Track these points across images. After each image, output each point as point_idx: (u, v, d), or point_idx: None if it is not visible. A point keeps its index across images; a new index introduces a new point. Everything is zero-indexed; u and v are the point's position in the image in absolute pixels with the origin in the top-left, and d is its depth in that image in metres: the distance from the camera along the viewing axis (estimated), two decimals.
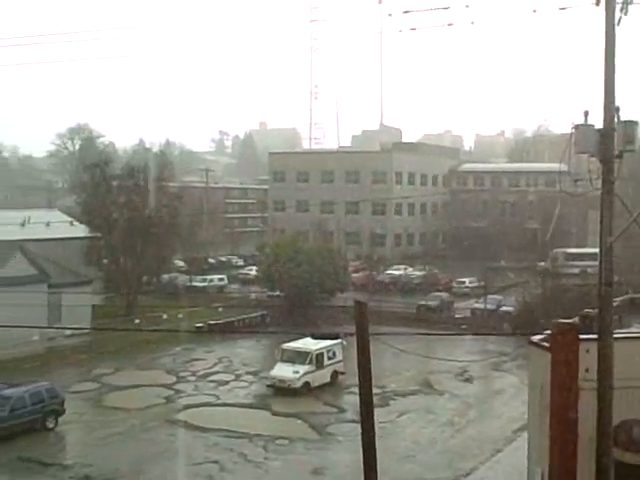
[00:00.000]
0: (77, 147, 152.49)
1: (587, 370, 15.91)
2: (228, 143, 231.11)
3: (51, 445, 31.37)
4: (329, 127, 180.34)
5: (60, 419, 32.62)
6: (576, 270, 66.37)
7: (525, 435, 22.78)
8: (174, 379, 41.48)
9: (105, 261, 58.88)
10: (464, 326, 53.73)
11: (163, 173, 61.38)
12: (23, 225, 63.14)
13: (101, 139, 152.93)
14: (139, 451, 30.07)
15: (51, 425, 32.23)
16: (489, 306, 56.67)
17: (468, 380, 41.72)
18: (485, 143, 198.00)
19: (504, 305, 56.77)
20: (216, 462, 28.84)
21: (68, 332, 45.55)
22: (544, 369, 17.42)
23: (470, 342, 49.48)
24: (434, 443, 31.26)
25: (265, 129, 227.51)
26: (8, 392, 31.93)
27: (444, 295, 62.31)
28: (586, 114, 14.00)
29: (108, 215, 58.26)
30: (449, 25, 14.85)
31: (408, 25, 15.59)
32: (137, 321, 52.66)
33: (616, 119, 13.78)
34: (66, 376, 40.44)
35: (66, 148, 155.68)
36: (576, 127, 14.00)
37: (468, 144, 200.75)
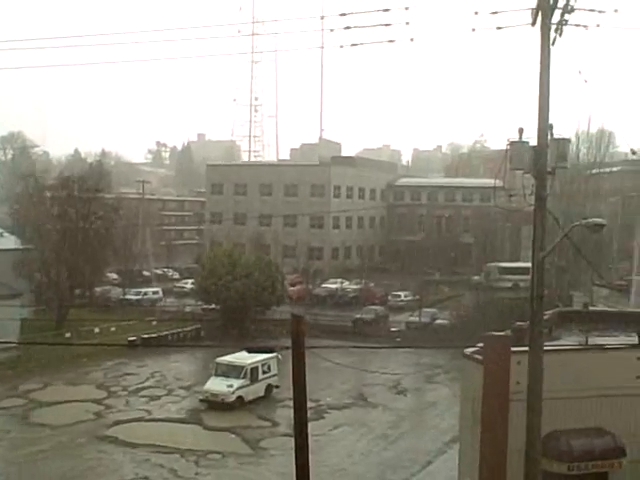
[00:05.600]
0: (10, 157, 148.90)
1: (518, 382, 16.08)
2: (166, 155, 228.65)
3: None
4: (268, 140, 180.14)
5: None
6: (509, 284, 67.73)
7: (456, 447, 22.91)
8: (105, 394, 40.53)
9: (37, 273, 57.41)
10: (399, 339, 54.05)
11: (98, 184, 60.17)
12: None
13: (35, 149, 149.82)
14: (66, 468, 29.17)
15: None
16: (424, 319, 57.08)
17: (402, 393, 41.88)
18: (422, 158, 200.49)
19: (438, 318, 57.37)
20: (146, 478, 28.25)
21: None
22: (477, 381, 17.55)
23: (404, 355, 49.76)
24: (367, 455, 31.22)
25: (203, 141, 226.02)
26: None
27: (379, 308, 62.56)
28: (521, 131, 14.23)
29: (41, 226, 56.89)
30: (390, 42, 14.94)
31: (349, 41, 15.65)
32: (68, 335, 51.34)
33: (549, 136, 14.04)
34: None
35: None
36: (511, 144, 14.23)
37: (406, 159, 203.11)
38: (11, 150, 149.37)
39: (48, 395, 40.12)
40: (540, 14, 13.91)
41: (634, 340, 19.89)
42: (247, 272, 56.60)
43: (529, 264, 14.87)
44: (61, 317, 55.57)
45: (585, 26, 14.04)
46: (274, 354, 38.58)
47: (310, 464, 13.04)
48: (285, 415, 33.49)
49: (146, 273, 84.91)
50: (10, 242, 58.52)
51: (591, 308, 33.59)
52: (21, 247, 56.64)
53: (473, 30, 14.06)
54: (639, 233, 66.30)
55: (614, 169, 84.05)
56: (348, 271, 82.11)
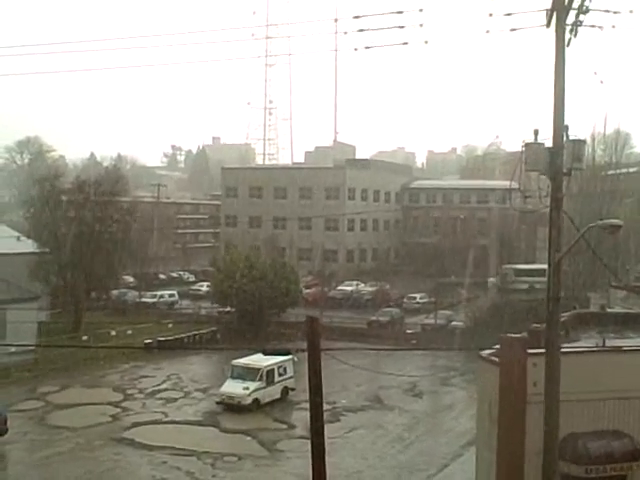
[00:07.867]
0: (26, 161, 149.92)
1: (535, 384, 16.01)
2: (181, 158, 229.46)
3: None
4: (283, 143, 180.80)
5: (2, 439, 31.68)
6: (525, 286, 67.34)
7: (473, 449, 22.84)
8: (121, 397, 40.70)
9: (53, 277, 57.76)
10: (414, 341, 53.88)
11: (114, 188, 60.42)
12: None
13: (51, 153, 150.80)
14: (83, 471, 29.28)
15: None
16: (439, 321, 56.95)
17: (418, 395, 41.80)
18: (437, 160, 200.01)
19: (454, 320, 57.14)
20: None
21: (13, 349, 44.34)
22: (493, 383, 17.48)
23: (420, 357, 49.65)
24: (383, 458, 31.16)
25: (218, 144, 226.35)
26: None
27: (395, 311, 62.41)
28: (536, 133, 14.17)
29: (57, 230, 57.28)
30: (404, 44, 14.94)
31: (363, 43, 15.66)
32: (85, 338, 51.58)
33: (565, 138, 13.99)
34: (9, 394, 39.34)
35: (14, 162, 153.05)
36: (526, 145, 14.17)
37: (420, 161, 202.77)
38: (28, 154, 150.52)
39: (65, 397, 40.33)
40: (555, 15, 13.87)
41: None
42: (262, 275, 56.71)
43: (545, 266, 14.81)
44: (78, 320, 55.87)
45: (600, 27, 13.98)
46: (290, 356, 38.47)
47: (326, 467, 13.05)
48: (301, 417, 33.49)
49: (162, 276, 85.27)
50: (27, 246, 58.79)
51: (608, 310, 33.44)
52: (38, 251, 56.84)
53: (487, 32, 14.04)
54: None
55: (630, 170, 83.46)
56: (363, 273, 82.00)
